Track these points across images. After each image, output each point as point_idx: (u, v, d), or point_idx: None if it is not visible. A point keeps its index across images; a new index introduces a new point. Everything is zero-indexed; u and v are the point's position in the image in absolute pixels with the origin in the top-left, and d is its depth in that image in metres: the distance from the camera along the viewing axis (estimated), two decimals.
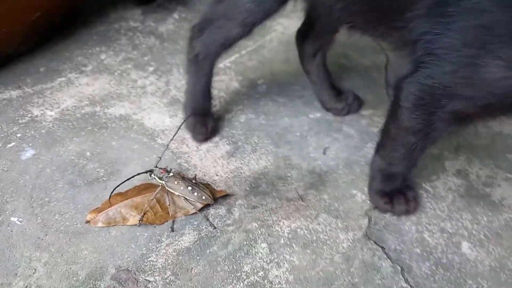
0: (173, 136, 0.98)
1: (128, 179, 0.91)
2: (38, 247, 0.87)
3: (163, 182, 0.90)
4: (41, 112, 1.20)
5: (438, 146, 1.07)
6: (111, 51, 1.44)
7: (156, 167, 0.92)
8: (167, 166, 0.91)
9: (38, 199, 0.96)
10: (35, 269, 0.83)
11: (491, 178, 1.00)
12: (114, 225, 0.90)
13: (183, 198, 0.90)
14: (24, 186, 0.99)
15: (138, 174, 0.92)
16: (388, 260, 0.84)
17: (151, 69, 1.36)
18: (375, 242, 0.87)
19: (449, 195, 0.96)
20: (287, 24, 1.50)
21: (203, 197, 0.89)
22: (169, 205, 0.90)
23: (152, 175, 0.91)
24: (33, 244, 0.87)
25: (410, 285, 0.80)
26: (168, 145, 1.00)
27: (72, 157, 1.06)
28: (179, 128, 0.98)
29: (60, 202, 0.96)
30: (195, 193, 0.89)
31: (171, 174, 0.90)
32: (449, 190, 0.97)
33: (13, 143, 1.10)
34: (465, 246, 0.86)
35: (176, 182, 0.89)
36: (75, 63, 1.39)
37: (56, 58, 1.41)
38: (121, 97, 1.25)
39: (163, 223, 0.90)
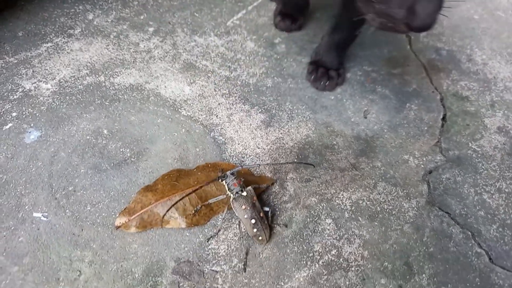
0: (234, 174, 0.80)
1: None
2: (76, 245, 0.75)
3: (232, 196, 0.77)
4: (34, 85, 1.02)
5: (473, 103, 1.05)
6: (99, 10, 1.26)
7: (233, 173, 0.78)
8: (242, 179, 0.78)
9: (61, 189, 0.83)
10: (79, 271, 0.72)
11: None
12: (151, 229, 0.78)
13: (239, 221, 0.77)
14: (39, 175, 0.85)
15: (213, 180, 0.79)
16: (457, 225, 0.81)
17: (151, 30, 1.20)
18: (440, 208, 0.84)
19: (497, 153, 0.95)
20: None
21: (260, 238, 0.76)
22: (224, 213, 0.79)
23: (224, 181, 0.77)
24: (69, 242, 0.76)
25: (484, 250, 0.78)
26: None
27: (88, 137, 0.92)
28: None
29: (87, 190, 0.83)
30: (255, 229, 0.75)
31: (244, 193, 0.77)
32: (495, 149, 0.96)
33: (10, 124, 0.94)
34: None
35: (243, 207, 0.76)
36: (59, 25, 1.20)
37: (34, 19, 1.21)
38: (126, 64, 1.10)
39: (206, 222, 0.80)
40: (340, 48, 1.05)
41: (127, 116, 0.97)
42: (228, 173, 0.77)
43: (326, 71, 1.04)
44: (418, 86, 1.09)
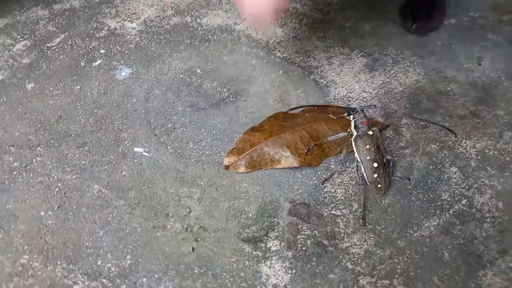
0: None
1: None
2: (182, 181, 0.70)
3: (355, 134, 0.68)
4: (119, 24, 0.97)
5: None
6: None
7: (362, 110, 0.69)
8: (371, 119, 0.70)
9: (159, 126, 0.78)
10: (189, 208, 0.67)
11: None
12: (260, 169, 0.72)
13: (358, 164, 0.69)
14: (135, 111, 0.80)
15: (343, 115, 0.71)
16: None
17: None
18: None
19: None
20: None
21: (379, 185, 0.67)
22: (342, 152, 0.71)
23: (351, 116, 0.69)
24: (175, 178, 0.71)
25: None
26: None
27: (181, 75, 0.86)
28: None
29: (187, 128, 0.78)
30: (375, 175, 0.67)
31: (370, 132, 0.68)
32: None
33: (99, 61, 0.89)
34: None
35: (368, 146, 0.67)
36: None
37: None
38: (211, 5, 1.03)
39: (318, 164, 0.73)
40: None
41: (219, 56, 0.90)
42: (358, 108, 0.69)
43: (423, 12, 0.95)
44: None
